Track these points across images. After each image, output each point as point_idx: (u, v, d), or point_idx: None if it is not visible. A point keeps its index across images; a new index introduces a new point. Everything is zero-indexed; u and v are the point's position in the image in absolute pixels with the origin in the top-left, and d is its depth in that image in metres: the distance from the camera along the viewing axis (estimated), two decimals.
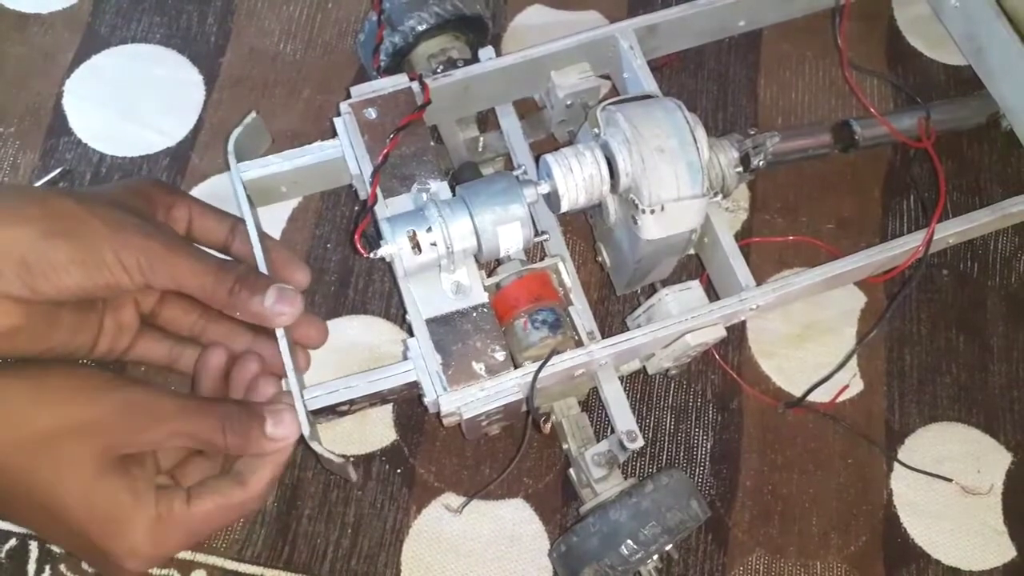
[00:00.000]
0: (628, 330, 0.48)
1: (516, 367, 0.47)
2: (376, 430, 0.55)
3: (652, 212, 0.46)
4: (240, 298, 0.44)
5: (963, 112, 0.62)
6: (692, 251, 0.51)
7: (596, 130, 0.48)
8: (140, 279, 0.42)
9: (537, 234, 0.48)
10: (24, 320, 0.41)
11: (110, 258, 0.41)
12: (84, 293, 0.42)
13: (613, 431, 0.47)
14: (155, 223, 0.45)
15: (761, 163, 0.54)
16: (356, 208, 0.60)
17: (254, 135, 0.52)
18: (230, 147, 0.50)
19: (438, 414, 0.46)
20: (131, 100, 0.63)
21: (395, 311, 0.58)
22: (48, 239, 0.40)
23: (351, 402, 0.47)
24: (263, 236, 0.48)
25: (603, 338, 0.48)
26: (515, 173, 0.48)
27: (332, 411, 0.47)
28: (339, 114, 0.51)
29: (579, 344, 0.48)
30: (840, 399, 0.57)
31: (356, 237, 0.46)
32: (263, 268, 0.47)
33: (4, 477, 0.39)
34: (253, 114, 0.51)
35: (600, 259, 0.56)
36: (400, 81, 0.52)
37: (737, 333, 0.58)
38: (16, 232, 0.40)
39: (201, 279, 0.43)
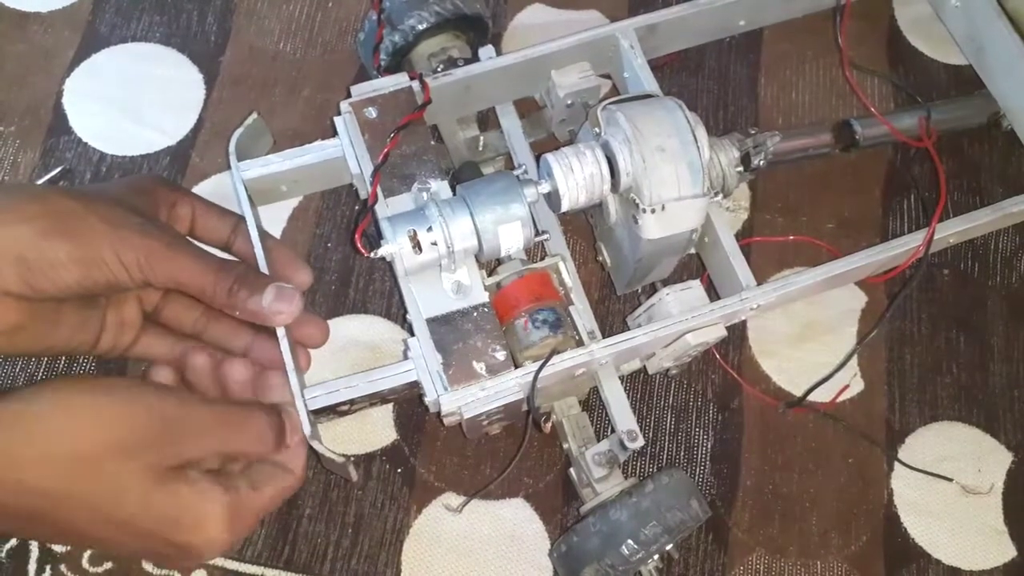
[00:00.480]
0: (629, 330, 0.48)
1: (517, 367, 0.47)
2: (377, 430, 0.55)
3: (653, 211, 0.46)
4: (239, 297, 0.44)
5: (964, 112, 0.62)
6: (693, 251, 0.51)
7: (597, 129, 0.48)
8: (140, 277, 0.42)
9: (538, 233, 0.48)
10: (25, 318, 0.41)
11: (109, 256, 0.41)
12: (84, 291, 0.42)
13: (613, 430, 0.47)
14: (156, 221, 0.45)
15: (762, 162, 0.54)
16: (356, 207, 0.60)
17: (256, 136, 0.52)
18: (231, 147, 0.50)
19: (439, 414, 0.46)
20: (131, 99, 0.63)
21: (396, 310, 0.58)
22: (47, 238, 0.40)
23: (351, 402, 0.47)
24: (264, 235, 0.48)
25: (604, 338, 0.48)
26: (516, 172, 0.48)
27: (333, 411, 0.47)
28: (339, 113, 0.51)
29: (580, 344, 0.48)
30: (840, 399, 0.57)
31: (357, 236, 0.46)
32: (263, 268, 0.47)
33: (61, 504, 0.38)
34: (254, 115, 0.51)
35: (601, 259, 0.56)
36: (400, 80, 0.52)
37: (738, 333, 0.58)
38: (15, 230, 0.40)
39: (201, 278, 0.43)
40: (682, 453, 0.56)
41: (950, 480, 0.55)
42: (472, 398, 0.45)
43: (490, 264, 0.51)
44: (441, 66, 0.54)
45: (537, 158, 0.50)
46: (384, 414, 0.56)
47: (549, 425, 0.52)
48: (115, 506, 0.39)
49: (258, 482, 0.43)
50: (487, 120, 0.60)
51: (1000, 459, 0.56)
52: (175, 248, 0.43)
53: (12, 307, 0.41)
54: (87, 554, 0.52)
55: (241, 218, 0.49)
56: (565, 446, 0.51)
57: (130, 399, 0.40)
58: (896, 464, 0.56)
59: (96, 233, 0.41)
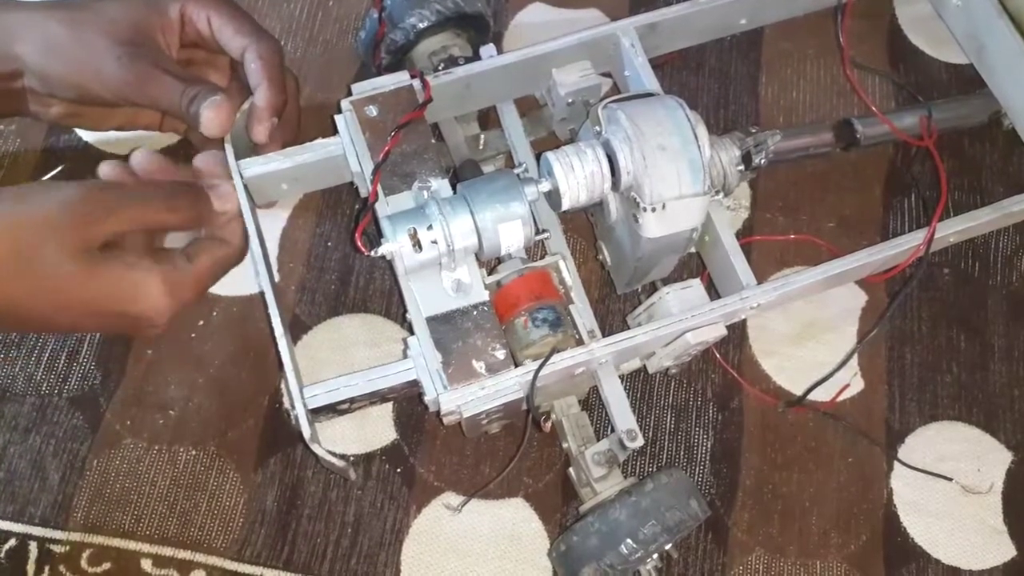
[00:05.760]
0: (629, 328, 0.48)
1: (516, 365, 0.47)
2: (376, 429, 0.55)
3: (653, 210, 0.46)
4: (190, 110, 0.48)
5: (965, 111, 0.62)
6: (693, 249, 0.51)
7: (597, 128, 0.48)
8: (124, 100, 0.49)
9: (538, 232, 0.48)
10: (74, 108, 0.51)
11: (93, 83, 0.48)
12: (88, 102, 0.49)
13: (613, 430, 0.47)
14: (143, 46, 0.49)
15: (762, 161, 0.54)
16: (357, 206, 0.60)
17: None
18: (227, 136, 0.50)
19: (438, 413, 0.46)
20: None
21: (396, 309, 0.58)
22: (47, 59, 0.48)
23: (351, 401, 0.47)
24: (267, 74, 0.50)
25: (604, 336, 0.48)
26: (516, 171, 0.48)
27: (332, 410, 0.47)
28: (340, 111, 0.51)
29: (579, 343, 0.48)
30: (840, 398, 0.57)
31: (357, 235, 0.46)
32: (260, 265, 0.48)
33: (7, 297, 0.43)
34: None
35: (601, 257, 0.56)
36: (401, 79, 0.52)
37: (738, 332, 0.58)
38: (21, 49, 0.48)
39: (169, 102, 0.48)
40: (682, 452, 0.55)
41: (950, 480, 0.55)
42: (472, 397, 0.45)
43: (490, 263, 0.50)
44: (442, 64, 0.54)
45: (538, 156, 0.50)
46: (384, 413, 0.55)
47: (549, 424, 0.52)
48: (56, 291, 0.43)
49: (193, 254, 0.47)
50: (488, 118, 0.60)
51: (1000, 459, 0.56)
52: (145, 79, 0.48)
53: (56, 100, 0.50)
54: (86, 554, 0.52)
55: (254, 40, 0.50)
56: (565, 445, 0.51)
57: (44, 195, 0.44)
58: (896, 463, 0.56)
59: (80, 62, 0.48)
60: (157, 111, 0.52)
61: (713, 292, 0.53)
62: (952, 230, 0.53)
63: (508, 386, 0.46)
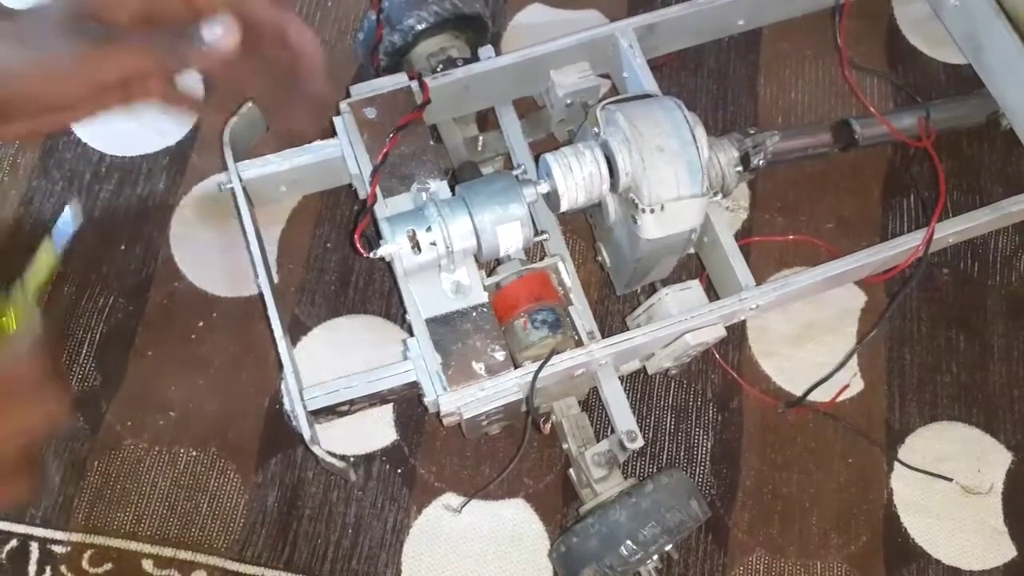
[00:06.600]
0: (628, 330, 0.48)
1: (516, 367, 0.47)
2: (377, 430, 0.55)
3: (652, 211, 0.46)
4: (179, 48, 0.45)
5: (963, 111, 0.62)
6: (692, 250, 0.51)
7: (596, 129, 0.48)
8: (98, 82, 0.45)
9: (537, 233, 0.48)
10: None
11: (63, 74, 0.44)
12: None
13: (613, 431, 0.47)
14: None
15: (761, 162, 0.54)
16: (356, 208, 0.60)
17: (249, 125, 0.52)
18: (226, 137, 0.50)
19: (438, 414, 0.46)
20: None
21: (395, 311, 0.58)
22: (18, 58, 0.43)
23: (351, 402, 0.47)
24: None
25: (603, 338, 0.48)
26: (515, 172, 0.48)
27: (332, 411, 0.47)
28: (338, 113, 0.51)
29: (579, 344, 0.48)
30: (840, 398, 0.57)
31: (356, 237, 0.46)
32: (260, 267, 0.48)
33: None
34: (249, 104, 0.51)
35: (600, 259, 0.56)
36: (399, 80, 0.52)
37: (737, 332, 0.58)
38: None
39: (146, 61, 0.45)
40: (682, 453, 0.55)
41: (950, 480, 0.55)
42: (471, 398, 0.46)
43: (489, 264, 0.51)
44: (440, 66, 0.55)
45: (536, 158, 0.50)
46: (384, 414, 0.56)
47: (549, 426, 0.52)
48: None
49: None
50: (486, 120, 0.60)
51: (1000, 459, 0.56)
52: (108, 50, 0.44)
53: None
54: (87, 554, 0.52)
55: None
56: (565, 446, 0.51)
57: None
58: (896, 464, 0.56)
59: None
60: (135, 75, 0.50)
61: (712, 293, 0.53)
62: (951, 230, 0.53)
63: (508, 387, 0.46)
